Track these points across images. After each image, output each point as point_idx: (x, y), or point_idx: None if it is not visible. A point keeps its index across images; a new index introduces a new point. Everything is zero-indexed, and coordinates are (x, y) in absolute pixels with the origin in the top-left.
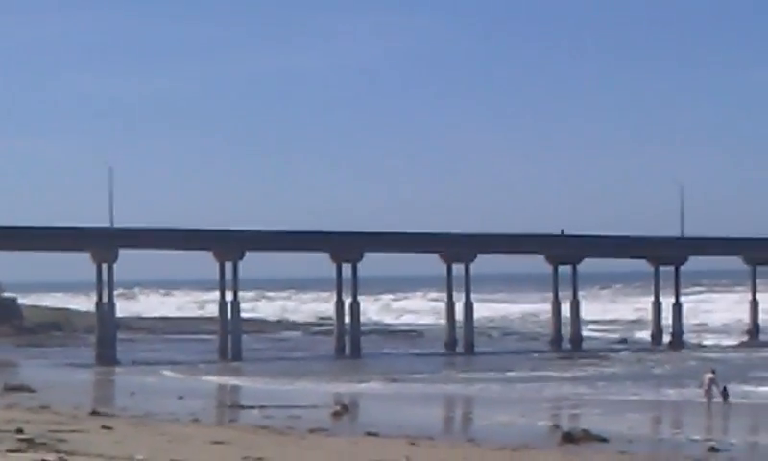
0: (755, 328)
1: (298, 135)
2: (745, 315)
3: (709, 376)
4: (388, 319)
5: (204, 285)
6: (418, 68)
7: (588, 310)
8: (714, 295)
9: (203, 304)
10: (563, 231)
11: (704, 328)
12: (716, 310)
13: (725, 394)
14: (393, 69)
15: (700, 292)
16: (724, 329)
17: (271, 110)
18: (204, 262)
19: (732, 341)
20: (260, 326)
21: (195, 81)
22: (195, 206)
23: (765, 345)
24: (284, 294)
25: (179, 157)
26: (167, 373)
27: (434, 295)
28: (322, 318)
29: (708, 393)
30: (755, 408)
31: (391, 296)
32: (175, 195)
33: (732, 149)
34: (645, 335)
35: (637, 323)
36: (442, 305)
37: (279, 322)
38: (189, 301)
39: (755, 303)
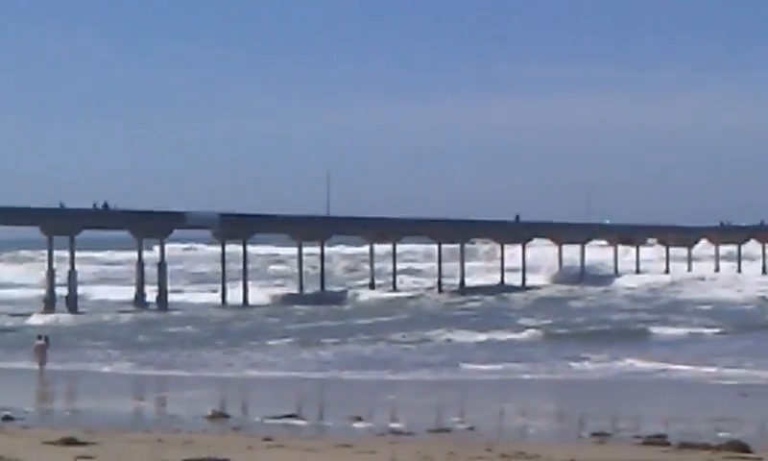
0: (51, 297)
1: None
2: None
3: (39, 342)
4: None
5: None
6: None
7: None
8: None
9: None
10: None
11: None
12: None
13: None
14: None
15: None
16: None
17: None
18: None
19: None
20: None
21: None
22: None
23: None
24: None
25: None
26: None
27: None
28: None
29: (40, 359)
30: (65, 375)
31: None
32: None
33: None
34: None
35: None
36: None
37: None
38: None
39: (51, 273)
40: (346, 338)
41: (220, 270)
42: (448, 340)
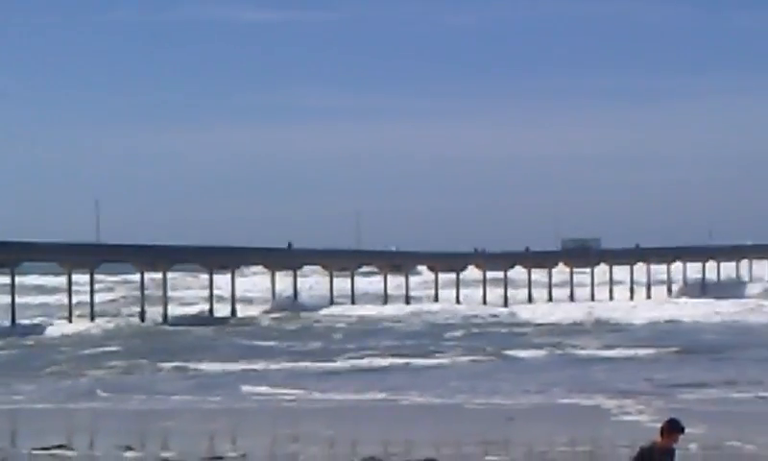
0: None
1: None
2: None
3: None
4: None
5: None
6: None
7: None
8: None
9: None
10: None
11: None
12: None
13: None
14: None
15: None
16: None
17: None
18: None
19: None
20: None
21: None
22: None
23: None
24: None
25: None
26: None
27: None
28: None
29: None
30: None
31: None
32: None
33: None
34: None
35: None
36: None
37: None
38: None
39: None
40: (102, 366)
41: None
42: (197, 369)
